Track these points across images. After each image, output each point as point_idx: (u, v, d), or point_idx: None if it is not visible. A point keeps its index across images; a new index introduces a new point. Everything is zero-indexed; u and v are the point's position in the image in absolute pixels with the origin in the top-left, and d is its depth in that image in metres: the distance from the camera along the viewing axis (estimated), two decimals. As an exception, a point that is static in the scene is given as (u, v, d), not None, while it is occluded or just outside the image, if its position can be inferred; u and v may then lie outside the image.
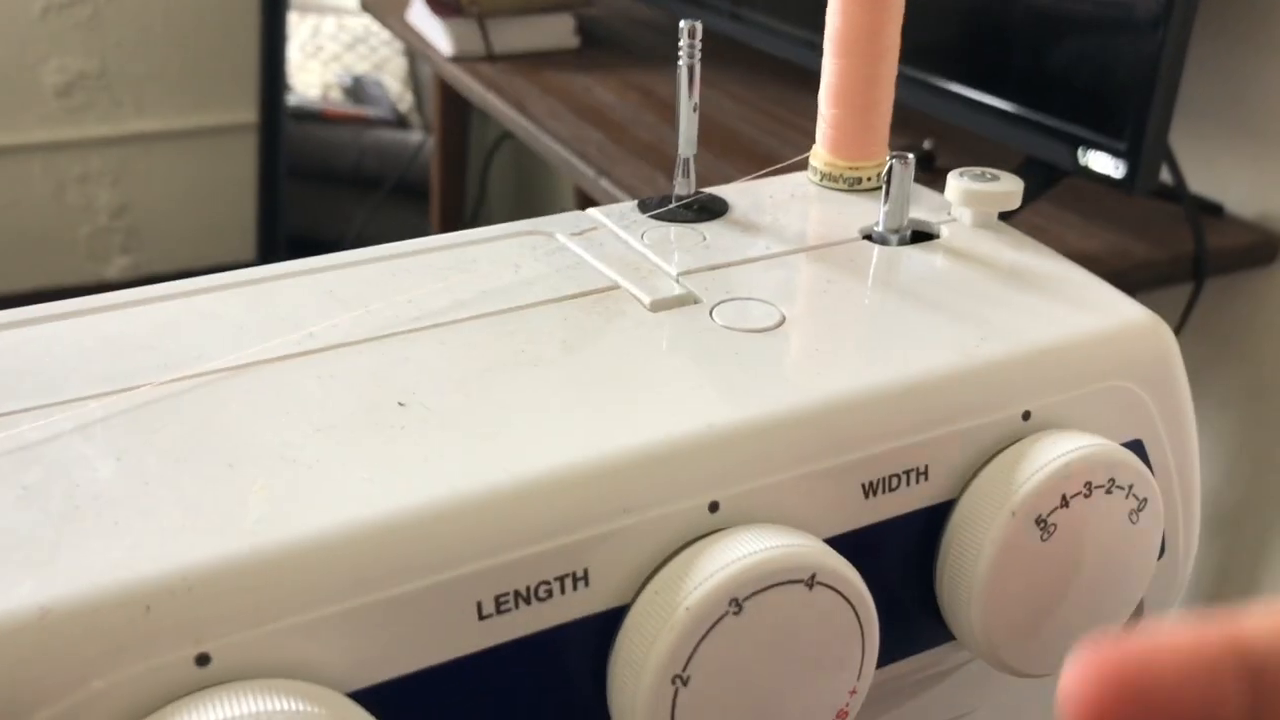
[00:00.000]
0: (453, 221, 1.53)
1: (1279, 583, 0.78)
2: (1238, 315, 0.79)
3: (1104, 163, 0.67)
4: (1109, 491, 0.25)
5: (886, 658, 0.25)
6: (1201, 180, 0.78)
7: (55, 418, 0.23)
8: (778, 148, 0.93)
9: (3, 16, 1.59)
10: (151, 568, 0.19)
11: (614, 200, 0.88)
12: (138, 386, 0.24)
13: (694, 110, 0.31)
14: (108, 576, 0.19)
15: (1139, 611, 0.30)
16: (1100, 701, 0.13)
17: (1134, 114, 0.64)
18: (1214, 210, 0.77)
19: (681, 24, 0.30)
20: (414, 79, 2.10)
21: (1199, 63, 0.75)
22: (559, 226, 0.32)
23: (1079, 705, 0.13)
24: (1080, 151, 0.68)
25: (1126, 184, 0.66)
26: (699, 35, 0.30)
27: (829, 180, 0.34)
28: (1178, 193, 0.72)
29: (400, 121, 2.01)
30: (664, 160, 0.92)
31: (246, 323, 0.26)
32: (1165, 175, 0.74)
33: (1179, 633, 0.13)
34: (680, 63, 0.31)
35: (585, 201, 1.52)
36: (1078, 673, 0.13)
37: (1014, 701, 0.30)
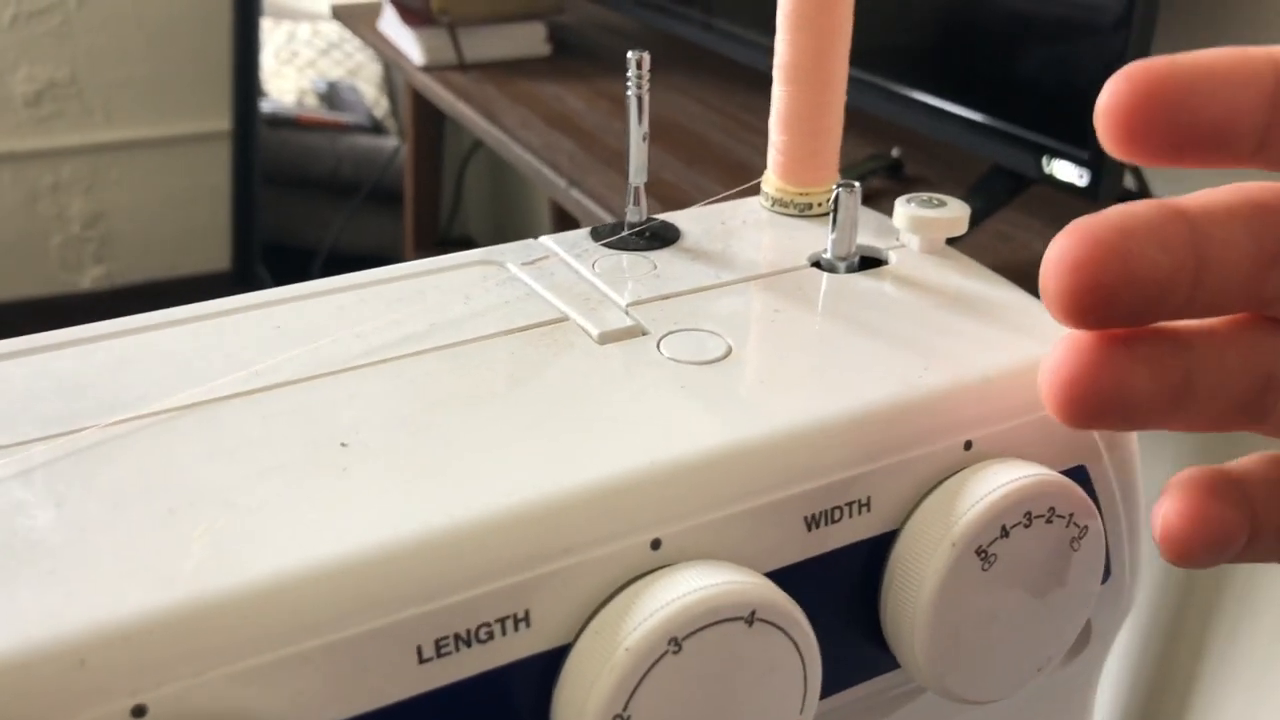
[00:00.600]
0: (427, 229, 1.53)
1: (1249, 584, 0.79)
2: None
3: (1068, 171, 0.67)
4: (1049, 521, 0.25)
5: (832, 687, 0.26)
6: (1165, 187, 0.79)
7: (-4, 463, 0.23)
8: (747, 155, 0.94)
9: (-29, 26, 1.58)
10: (87, 618, 0.19)
11: (585, 209, 0.88)
12: (81, 429, 0.24)
13: (644, 139, 0.32)
14: (42, 629, 0.19)
15: (1085, 633, 0.30)
16: (1137, 103, 0.16)
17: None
18: (1178, 216, 0.77)
19: (629, 55, 0.30)
20: (389, 84, 2.09)
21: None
22: (511, 256, 0.32)
23: (1118, 111, 0.15)
24: (1045, 160, 0.69)
25: (1090, 192, 0.66)
26: (647, 66, 0.30)
27: (780, 206, 0.35)
28: (1143, 199, 0.73)
29: (376, 127, 2.00)
30: (635, 169, 0.92)
31: (193, 361, 0.26)
32: (1130, 182, 0.74)
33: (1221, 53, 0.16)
34: (629, 93, 0.31)
35: (560, 208, 1.52)
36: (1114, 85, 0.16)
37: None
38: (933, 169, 0.86)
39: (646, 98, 0.31)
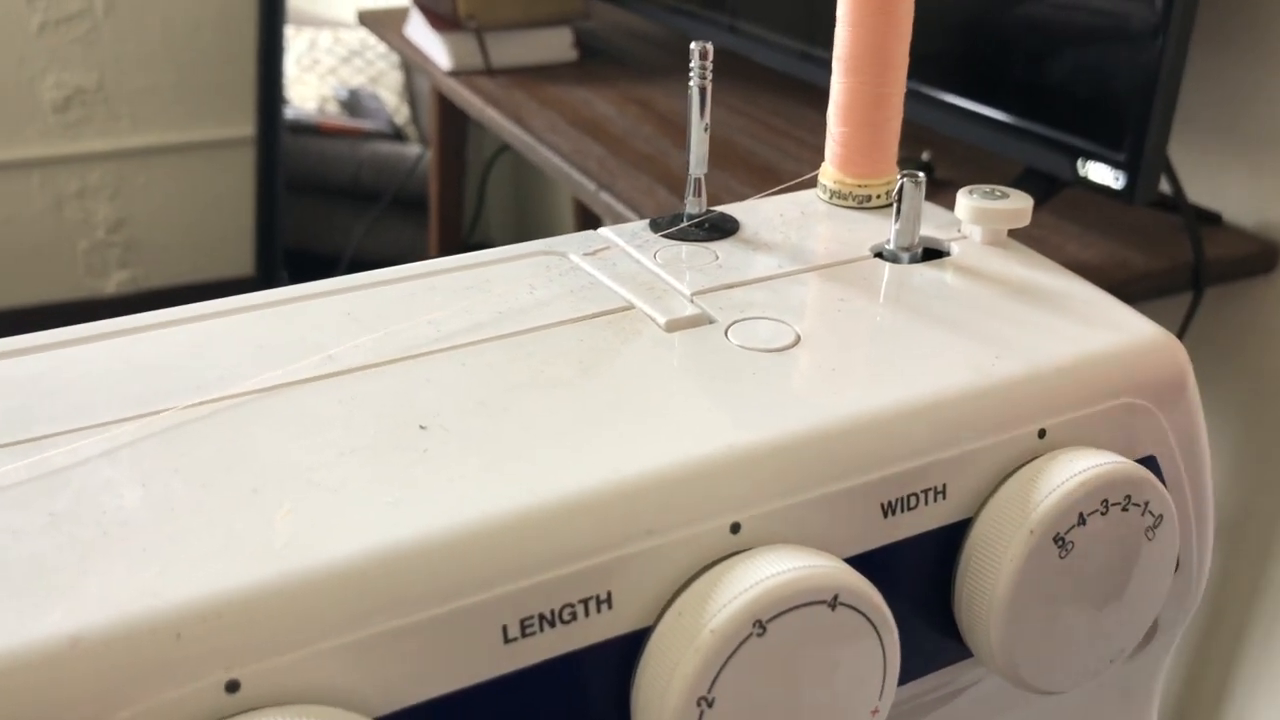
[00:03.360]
0: (451, 234, 1.54)
1: (1281, 590, 0.78)
2: (1237, 324, 0.79)
3: (1103, 174, 0.67)
4: (1125, 509, 0.25)
5: (904, 676, 0.25)
6: (1200, 190, 0.78)
7: (81, 443, 0.23)
8: (777, 159, 0.94)
9: (0, 32, 1.59)
10: (181, 594, 0.19)
11: (615, 213, 0.88)
12: (162, 411, 0.24)
13: (705, 130, 0.32)
14: (138, 604, 0.19)
15: (1153, 628, 0.30)
16: None
17: (1133, 125, 0.65)
18: (1212, 220, 0.77)
19: (693, 46, 0.30)
20: (410, 92, 2.10)
21: (1197, 74, 0.76)
22: (572, 246, 0.32)
23: None
24: (1080, 162, 0.68)
25: (1126, 195, 0.66)
26: (710, 56, 0.31)
27: (838, 198, 0.35)
28: (1176, 202, 0.72)
29: (397, 134, 2.01)
30: (664, 173, 0.92)
31: (268, 345, 0.27)
32: (1163, 185, 0.74)
33: None
34: (691, 83, 0.31)
35: (584, 213, 1.52)
36: None
37: (1035, 716, 0.30)
38: (963, 172, 0.86)
39: (710, 89, 0.31)
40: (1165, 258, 0.74)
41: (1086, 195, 0.70)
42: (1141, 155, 0.65)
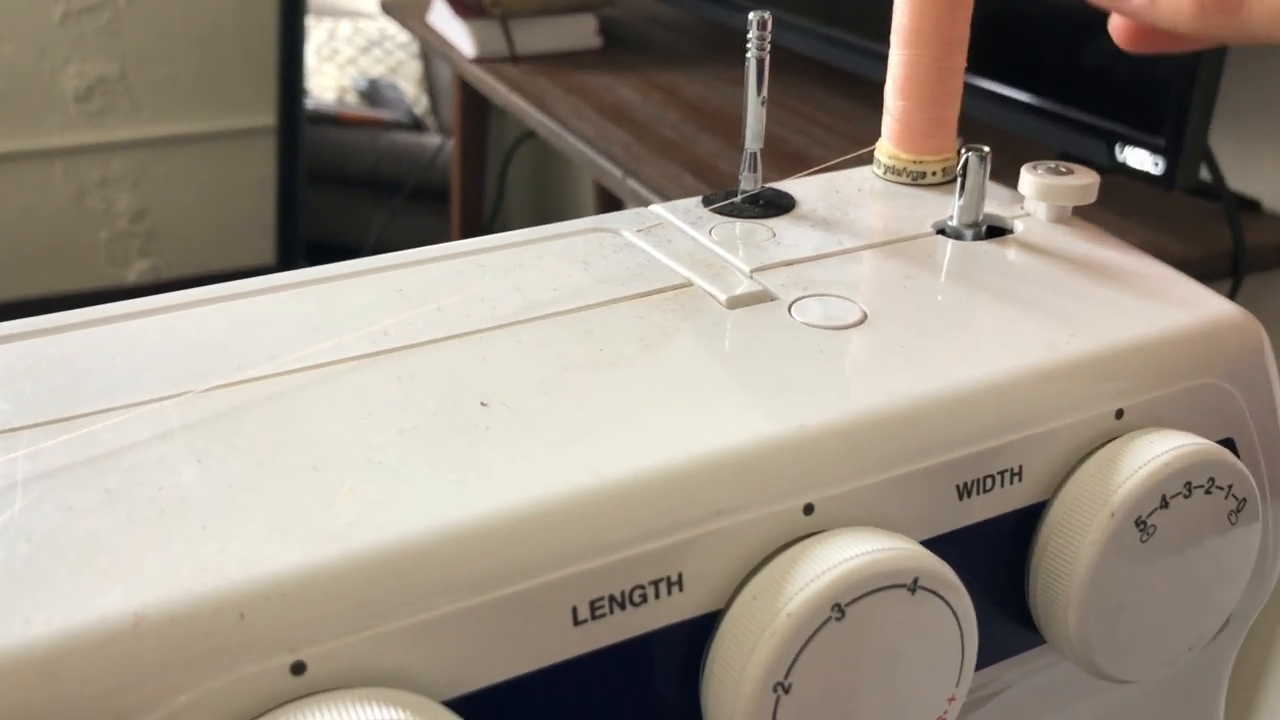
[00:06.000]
0: (473, 224, 1.53)
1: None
2: (1277, 312, 0.78)
3: (1142, 159, 0.66)
4: (1208, 491, 0.24)
5: (977, 663, 0.25)
6: (1239, 176, 0.77)
7: (131, 419, 0.22)
8: (805, 145, 0.92)
9: (23, 22, 1.59)
10: (244, 574, 0.19)
11: (641, 198, 0.87)
12: (214, 387, 0.23)
13: (762, 104, 0.31)
14: (199, 583, 0.18)
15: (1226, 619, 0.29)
16: None
17: (1174, 109, 0.64)
18: (1252, 207, 0.76)
19: (751, 15, 0.29)
20: (429, 81, 2.09)
21: (1237, 58, 0.74)
22: (624, 223, 0.31)
23: None
24: (1117, 148, 0.67)
25: (1165, 180, 0.65)
26: (769, 27, 0.30)
27: (893, 174, 0.34)
28: (1215, 189, 0.71)
29: (416, 124, 2.00)
30: (690, 159, 0.91)
31: (318, 321, 0.26)
32: (1201, 172, 0.73)
33: None
34: (749, 55, 0.30)
35: (606, 203, 1.51)
36: None
37: (1103, 706, 0.30)
38: (996, 157, 0.85)
39: (768, 61, 0.30)
40: (1203, 245, 0.73)
41: (1121, 182, 0.69)
42: (1182, 140, 0.64)
